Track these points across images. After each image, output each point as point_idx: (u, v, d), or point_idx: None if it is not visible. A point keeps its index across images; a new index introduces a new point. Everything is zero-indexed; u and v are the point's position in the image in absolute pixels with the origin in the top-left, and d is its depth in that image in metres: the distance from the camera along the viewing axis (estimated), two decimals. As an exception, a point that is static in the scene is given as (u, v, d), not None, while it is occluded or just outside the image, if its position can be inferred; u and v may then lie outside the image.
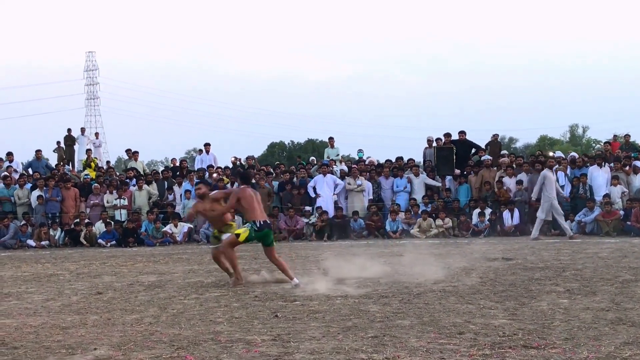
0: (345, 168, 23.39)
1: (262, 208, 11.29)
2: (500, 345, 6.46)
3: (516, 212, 20.57)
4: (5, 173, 22.55)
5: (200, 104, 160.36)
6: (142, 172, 24.01)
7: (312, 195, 21.65)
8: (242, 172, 13.08)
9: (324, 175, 21.80)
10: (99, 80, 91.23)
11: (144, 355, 6.61)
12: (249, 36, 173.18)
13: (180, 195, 22.06)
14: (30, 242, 20.41)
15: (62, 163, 26.61)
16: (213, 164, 24.23)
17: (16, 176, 22.74)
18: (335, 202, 21.59)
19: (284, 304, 9.25)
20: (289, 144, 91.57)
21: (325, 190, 21.54)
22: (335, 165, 23.46)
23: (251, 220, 10.82)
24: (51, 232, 20.71)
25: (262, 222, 10.88)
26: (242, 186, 11.10)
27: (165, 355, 6.57)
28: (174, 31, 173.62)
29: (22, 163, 25.79)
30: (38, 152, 25.35)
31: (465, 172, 22.22)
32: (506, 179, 21.43)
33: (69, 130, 29.81)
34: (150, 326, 8.01)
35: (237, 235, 10.83)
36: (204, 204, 11.38)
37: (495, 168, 22.18)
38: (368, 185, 21.97)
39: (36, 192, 21.54)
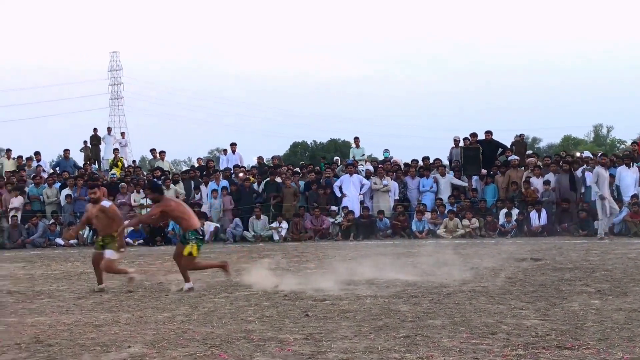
0: (371, 168, 23.38)
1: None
2: (534, 345, 6.45)
3: (543, 213, 20.46)
4: (35, 172, 22.80)
5: (222, 104, 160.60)
6: (168, 172, 24.13)
7: (338, 194, 21.66)
8: (151, 183, 12.53)
9: (350, 175, 21.81)
10: (123, 81, 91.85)
11: (178, 353, 6.67)
12: (269, 36, 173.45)
13: (207, 194, 22.15)
14: (59, 240, 20.60)
15: (88, 162, 26.81)
16: (239, 164, 24.34)
17: (45, 175, 22.97)
18: (361, 202, 21.59)
19: (314, 303, 9.28)
20: (311, 143, 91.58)
21: (351, 190, 21.54)
22: (360, 165, 23.47)
23: (192, 229, 10.72)
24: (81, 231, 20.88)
25: (202, 229, 11.10)
26: (161, 198, 10.89)
27: (199, 353, 6.62)
28: (196, 31, 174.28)
29: (50, 162, 26.07)
30: (66, 151, 25.62)
31: (492, 172, 22.14)
32: (533, 179, 21.33)
33: (95, 130, 30.07)
34: (183, 324, 8.07)
35: (190, 254, 10.71)
36: (93, 208, 11.09)
37: (522, 168, 22.08)
38: (394, 185, 21.94)
39: (65, 191, 21.74)
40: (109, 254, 11.03)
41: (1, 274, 14.03)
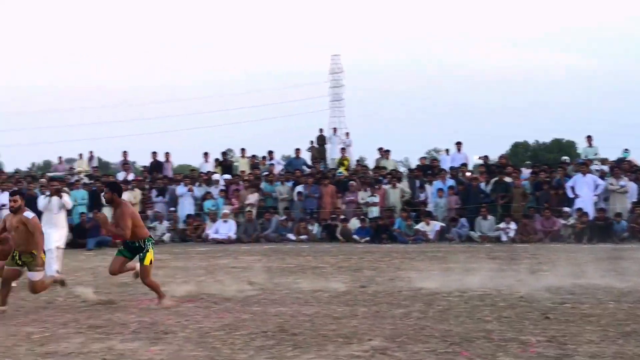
0: (605, 168, 22.22)
1: None
2: None
3: None
4: (268, 170, 23.93)
5: (438, 103, 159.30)
6: (394, 171, 24.34)
7: (571, 195, 20.77)
8: (112, 182, 11.13)
9: (584, 174, 20.85)
10: (344, 83, 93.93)
11: (419, 348, 6.71)
12: (485, 30, 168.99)
13: (432, 193, 22.11)
14: (291, 235, 21.42)
15: (317, 161, 27.63)
16: (466, 163, 24.07)
17: (276, 173, 24.01)
18: (595, 203, 20.56)
19: (553, 305, 9.00)
20: (533, 143, 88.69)
21: (584, 190, 20.56)
22: (595, 164, 22.38)
23: (146, 236, 9.90)
24: (309, 227, 21.62)
25: (151, 235, 10.19)
26: (119, 200, 9.93)
27: (440, 350, 6.63)
28: (413, 31, 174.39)
29: (282, 160, 27.27)
30: (297, 150, 26.67)
31: None
32: None
33: (321, 130, 30.98)
34: (419, 321, 8.12)
35: (150, 262, 9.83)
36: (13, 219, 9.66)
37: None
38: (632, 187, 20.69)
39: (297, 189, 22.60)
40: (32, 276, 9.59)
41: (240, 265, 14.82)
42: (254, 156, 26.52)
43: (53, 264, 12.41)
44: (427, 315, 8.48)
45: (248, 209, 22.16)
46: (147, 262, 9.74)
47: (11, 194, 9.96)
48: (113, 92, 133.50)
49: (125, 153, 25.91)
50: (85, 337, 7.54)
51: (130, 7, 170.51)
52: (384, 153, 26.05)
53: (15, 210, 9.65)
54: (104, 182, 17.08)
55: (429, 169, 23.95)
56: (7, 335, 7.72)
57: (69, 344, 7.24)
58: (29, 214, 9.65)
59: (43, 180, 20.32)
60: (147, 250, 9.76)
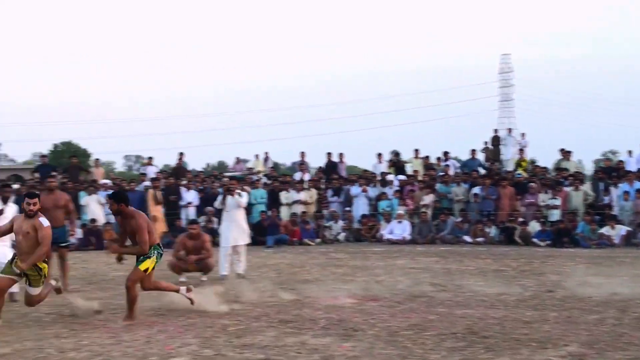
0: None
1: None
2: None
3: None
4: (443, 171, 23.73)
5: (610, 104, 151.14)
6: (577, 172, 23.42)
7: None
8: (117, 192, 10.00)
9: None
10: (514, 82, 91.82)
11: (619, 356, 6.47)
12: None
13: (618, 196, 21.10)
14: (467, 237, 21.09)
15: (492, 162, 27.10)
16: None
17: (451, 173, 23.75)
18: None
19: None
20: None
21: None
22: None
23: (154, 244, 8.99)
24: (486, 229, 21.21)
25: (162, 245, 9.40)
26: (130, 211, 8.96)
27: (643, 359, 6.31)
28: (585, 27, 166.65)
29: (457, 161, 26.95)
30: (473, 151, 26.23)
31: None
32: None
33: (496, 130, 30.34)
34: (615, 327, 7.80)
35: (145, 270, 8.86)
36: (25, 222, 8.71)
37: None
38: None
39: (474, 190, 22.22)
40: (32, 291, 8.80)
41: (419, 267, 14.76)
42: (426, 157, 26.39)
43: (225, 263, 12.98)
44: (623, 322, 8.11)
45: (423, 210, 22.04)
46: (142, 267, 8.87)
47: (30, 196, 8.84)
48: (285, 93, 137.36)
49: (302, 154, 26.48)
50: (278, 331, 7.77)
51: (293, 7, 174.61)
52: (565, 154, 25.08)
53: (32, 215, 8.70)
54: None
55: (613, 171, 22.89)
56: (204, 327, 8.08)
57: (264, 337, 7.49)
58: (44, 220, 8.77)
59: (225, 179, 21.11)
60: (149, 257, 8.89)
